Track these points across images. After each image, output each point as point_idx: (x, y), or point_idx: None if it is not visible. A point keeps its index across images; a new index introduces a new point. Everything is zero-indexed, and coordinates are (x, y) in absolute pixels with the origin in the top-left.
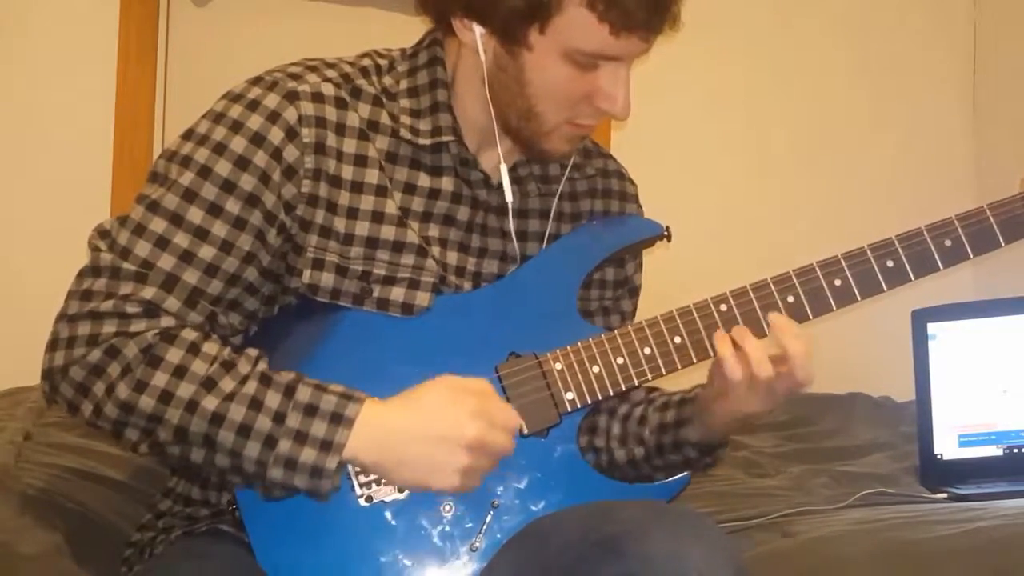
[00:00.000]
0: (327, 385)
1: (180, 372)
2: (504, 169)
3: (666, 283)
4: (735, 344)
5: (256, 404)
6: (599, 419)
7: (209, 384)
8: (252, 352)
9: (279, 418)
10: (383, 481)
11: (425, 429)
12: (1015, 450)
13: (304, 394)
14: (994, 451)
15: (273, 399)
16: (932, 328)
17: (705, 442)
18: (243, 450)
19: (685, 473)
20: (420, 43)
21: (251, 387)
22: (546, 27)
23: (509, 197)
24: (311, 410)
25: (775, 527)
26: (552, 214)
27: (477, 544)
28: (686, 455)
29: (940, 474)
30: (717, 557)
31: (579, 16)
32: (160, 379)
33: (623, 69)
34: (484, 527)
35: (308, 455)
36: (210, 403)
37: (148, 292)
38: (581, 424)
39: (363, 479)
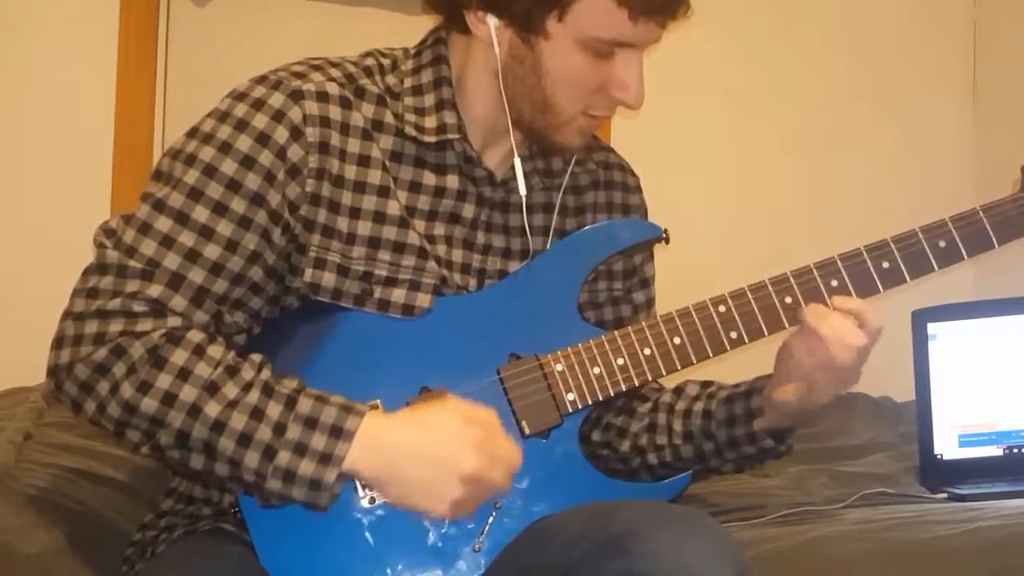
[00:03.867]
0: (329, 397)
1: (184, 375)
2: (518, 163)
3: (664, 285)
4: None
5: (257, 414)
6: (657, 416)
7: (212, 389)
8: (256, 358)
9: (279, 429)
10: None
11: (425, 450)
12: (1015, 450)
13: (305, 406)
14: (994, 451)
15: (274, 410)
16: (932, 328)
17: (776, 430)
18: (242, 459)
19: (686, 473)
20: (424, 42)
21: (253, 396)
22: (565, 14)
23: (523, 190)
24: (311, 422)
25: (775, 527)
26: (556, 208)
27: (479, 545)
28: (762, 446)
29: (940, 474)
30: (719, 556)
31: (598, 2)
32: (164, 381)
33: (637, 58)
34: (486, 528)
35: (307, 467)
36: (212, 409)
37: (155, 290)
38: (628, 424)
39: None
